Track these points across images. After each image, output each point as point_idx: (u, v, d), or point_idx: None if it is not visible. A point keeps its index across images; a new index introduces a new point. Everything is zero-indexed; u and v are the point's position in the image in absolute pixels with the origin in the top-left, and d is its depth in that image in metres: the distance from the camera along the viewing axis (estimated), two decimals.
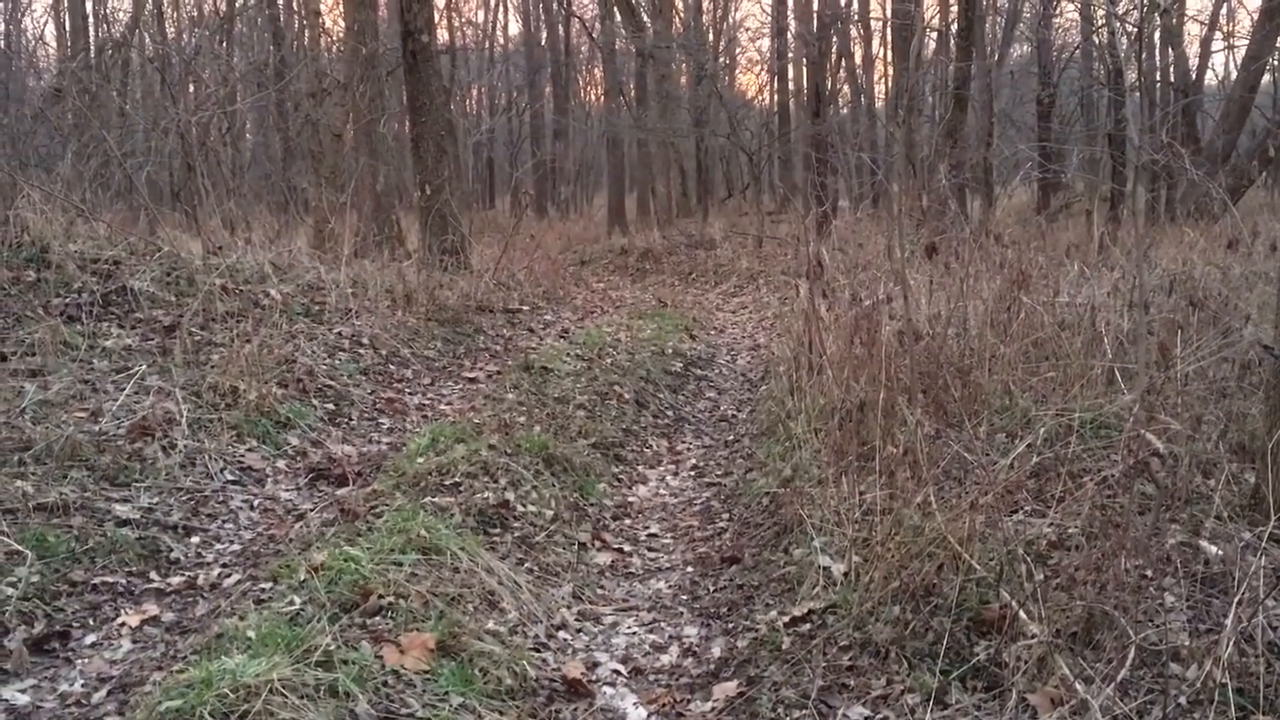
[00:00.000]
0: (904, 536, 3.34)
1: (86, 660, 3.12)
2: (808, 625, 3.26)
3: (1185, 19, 18.99)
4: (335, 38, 18.51)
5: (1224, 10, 21.25)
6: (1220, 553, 3.18)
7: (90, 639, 3.25)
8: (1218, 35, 20.48)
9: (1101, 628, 2.83)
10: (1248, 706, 2.51)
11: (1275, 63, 17.90)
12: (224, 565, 3.86)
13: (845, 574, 3.44)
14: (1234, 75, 17.41)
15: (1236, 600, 2.62)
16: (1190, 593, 3.07)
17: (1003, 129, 19.64)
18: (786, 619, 3.32)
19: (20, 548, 3.54)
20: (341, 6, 14.65)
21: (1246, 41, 15.73)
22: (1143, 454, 3.35)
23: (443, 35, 24.64)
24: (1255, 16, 15.52)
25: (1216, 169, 13.27)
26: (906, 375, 4.77)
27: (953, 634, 2.93)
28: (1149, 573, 3.17)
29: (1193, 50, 20.03)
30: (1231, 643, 2.56)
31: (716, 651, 3.40)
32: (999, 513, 3.29)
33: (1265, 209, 15.63)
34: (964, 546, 3.12)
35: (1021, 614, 2.87)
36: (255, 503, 4.53)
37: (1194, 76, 18.58)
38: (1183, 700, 2.54)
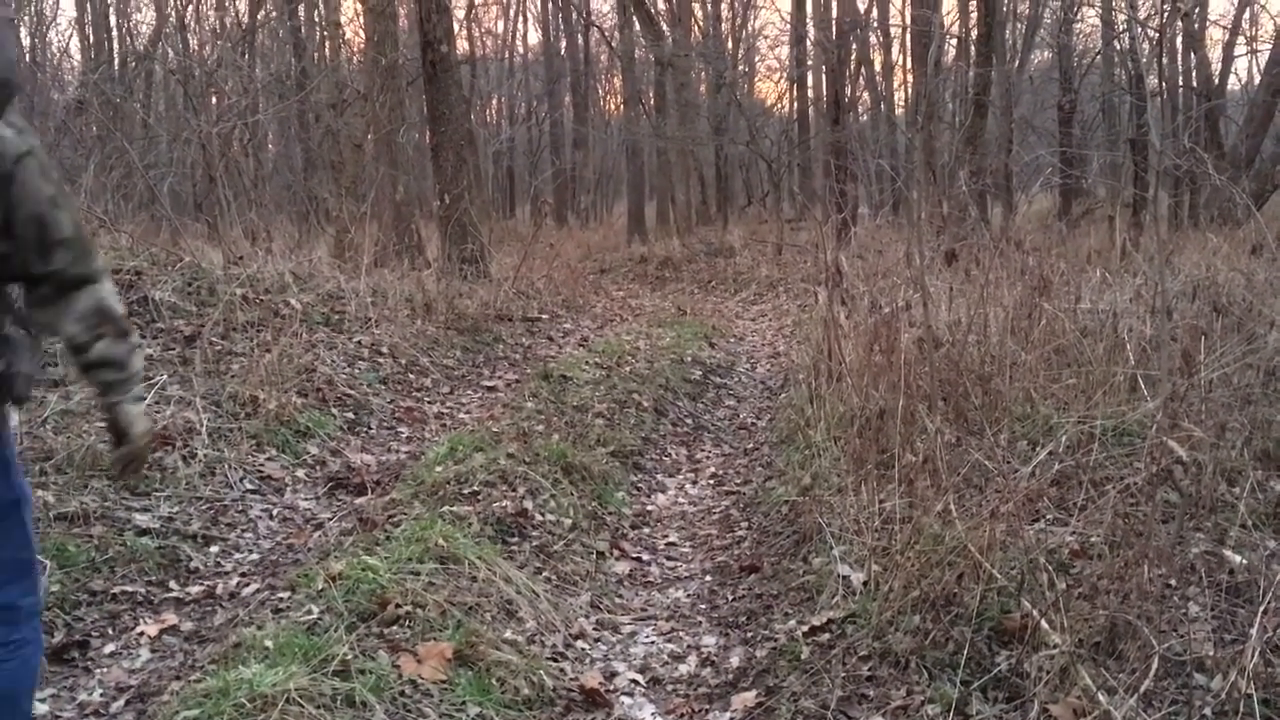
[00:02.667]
0: (924, 545, 3.31)
1: (105, 670, 3.13)
2: (827, 635, 3.23)
3: (1208, 23, 18.87)
4: (356, 49, 18.63)
5: (1246, 14, 21.12)
6: (1244, 561, 3.14)
7: (109, 648, 3.26)
8: (1240, 39, 20.36)
9: (1125, 637, 2.80)
10: (1274, 717, 2.47)
11: None
12: (243, 574, 3.87)
13: (865, 583, 3.42)
14: (1257, 79, 17.29)
15: (1262, 609, 2.58)
16: (1215, 602, 3.04)
17: (1023, 135, 19.57)
18: (805, 628, 3.30)
19: (40, 557, 3.56)
20: (362, 18, 14.74)
21: (1269, 45, 15.63)
22: (1166, 462, 3.32)
23: (463, 45, 24.75)
24: (1278, 20, 15.40)
25: (1240, 174, 13.17)
26: (926, 383, 4.74)
27: (973, 644, 2.90)
28: (1173, 582, 3.14)
29: (1215, 55, 19.89)
30: (1257, 653, 2.52)
31: (735, 661, 3.38)
32: (1020, 521, 3.26)
33: None
34: (985, 555, 3.09)
35: (1043, 623, 2.84)
36: (274, 512, 4.54)
37: (1216, 81, 18.44)
38: (1207, 711, 2.51)
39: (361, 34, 16.45)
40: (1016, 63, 20.88)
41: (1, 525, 2.17)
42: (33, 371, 2.18)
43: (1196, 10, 16.36)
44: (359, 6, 17.46)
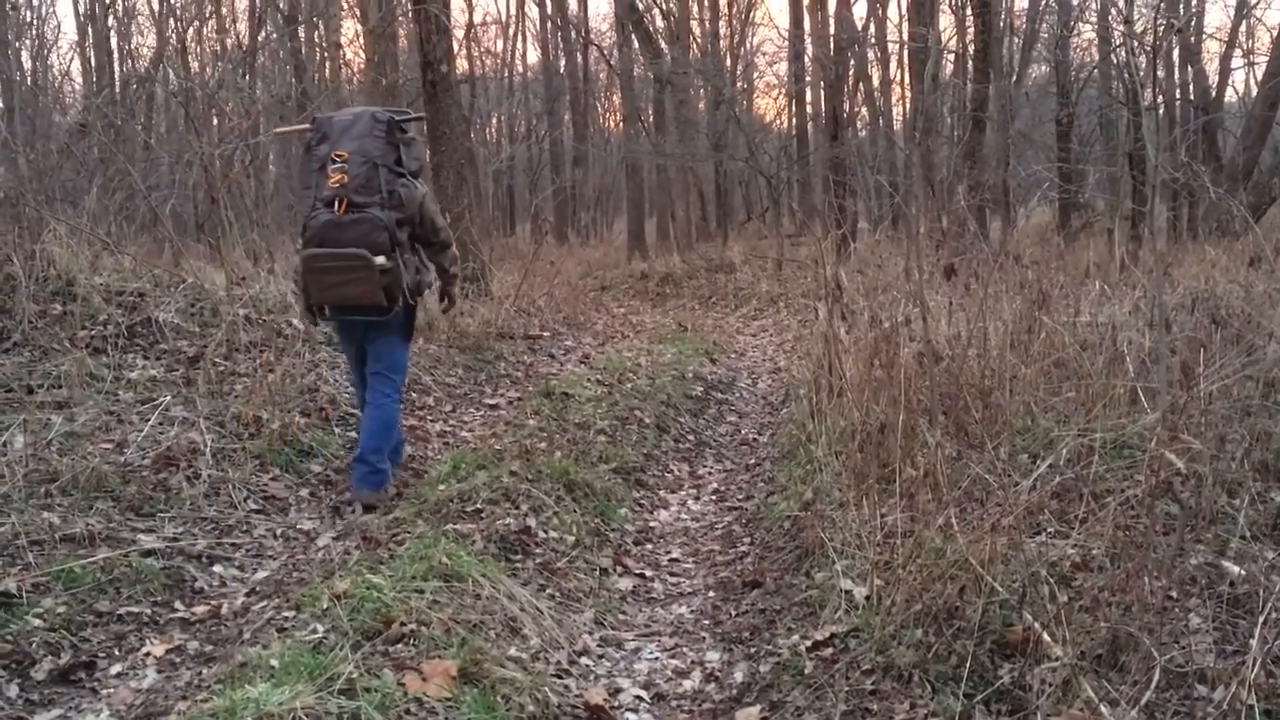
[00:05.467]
0: (925, 559, 3.33)
1: (112, 690, 3.14)
2: (830, 649, 3.24)
3: (1204, 37, 18.96)
4: (356, 69, 18.72)
5: (1243, 27, 21.22)
6: (1243, 572, 3.15)
7: (116, 669, 3.27)
8: (1237, 52, 20.45)
9: (1126, 649, 2.81)
10: None
11: None
12: (248, 594, 3.88)
13: (867, 597, 3.43)
14: (1254, 92, 17.36)
15: (1263, 620, 2.59)
16: (1216, 613, 3.05)
17: (1021, 149, 19.63)
18: (809, 643, 3.31)
19: (47, 579, 3.58)
20: (362, 39, 14.83)
21: (1266, 58, 15.69)
22: (1166, 474, 3.33)
23: (462, 65, 24.87)
24: (1275, 33, 15.47)
25: (1238, 186, 13.21)
26: (926, 397, 4.76)
27: (976, 657, 2.91)
28: (1173, 593, 3.15)
29: (1212, 68, 19.98)
30: (1259, 664, 2.53)
31: (739, 676, 3.39)
32: (1021, 534, 3.27)
33: None
34: (986, 568, 3.10)
35: (1045, 636, 2.85)
36: (278, 531, 4.55)
37: (1214, 94, 18.51)
38: None
39: (361, 54, 16.55)
40: (1014, 78, 20.97)
41: (398, 346, 5.09)
42: (429, 281, 5.09)
43: (1191, 24, 16.43)
44: (359, 28, 17.57)
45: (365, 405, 5.05)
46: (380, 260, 4.62)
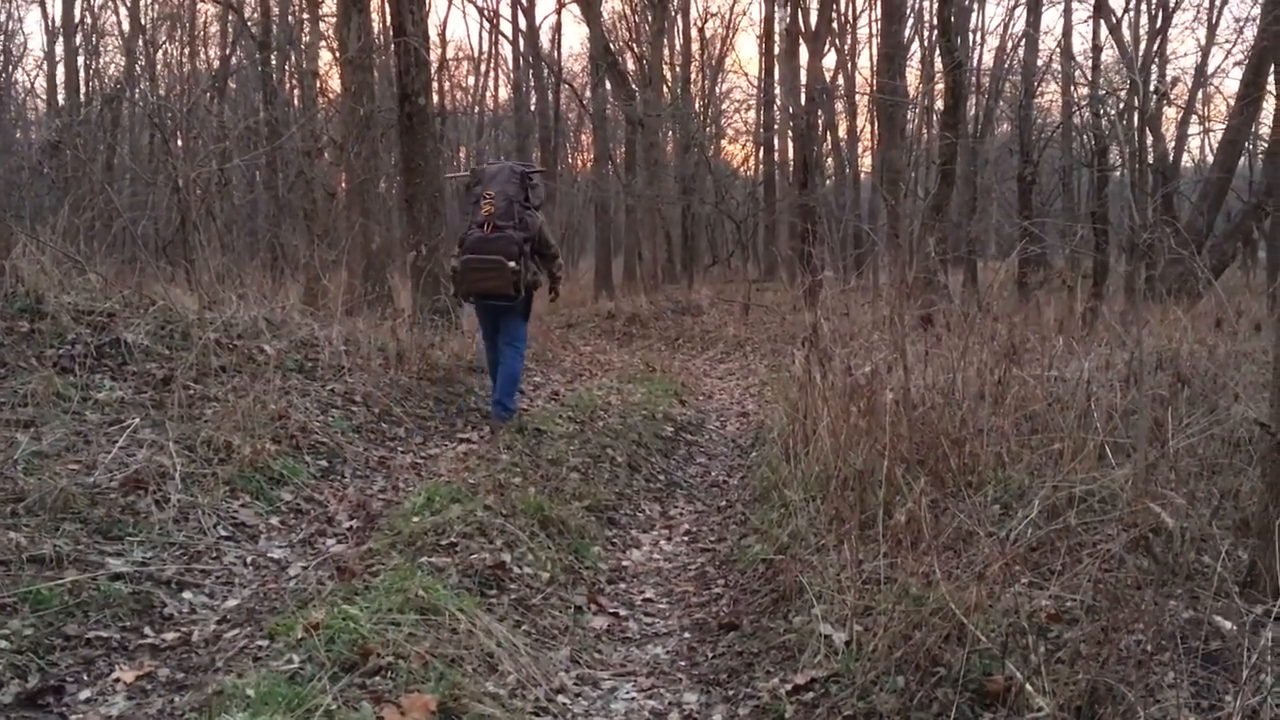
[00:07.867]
0: (907, 606, 3.34)
1: (81, 716, 3.07)
2: (811, 694, 3.24)
3: (1166, 103, 19.44)
4: (329, 98, 18.68)
5: (1199, 95, 21.81)
6: (1234, 627, 3.19)
7: (85, 694, 3.20)
8: (1193, 119, 21.00)
9: (1105, 702, 2.83)
10: None
11: (1250, 146, 18.33)
12: (219, 622, 3.81)
13: (847, 642, 3.44)
14: (1209, 157, 17.79)
15: (1245, 676, 2.63)
16: (1191, 669, 3.08)
17: (985, 204, 19.95)
18: (789, 687, 3.31)
19: (14, 600, 3.51)
20: (338, 69, 14.82)
21: (1223, 126, 16.11)
22: (1144, 527, 3.38)
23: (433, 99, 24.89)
24: (1231, 101, 15.92)
25: (1199, 249, 13.50)
26: (905, 445, 4.80)
27: (958, 706, 2.92)
28: (1149, 648, 3.18)
29: (1169, 133, 20.49)
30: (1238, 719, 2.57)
31: (718, 718, 3.37)
32: (1003, 585, 3.30)
33: (1243, 289, 15.88)
34: (968, 617, 3.12)
35: (1028, 687, 2.87)
36: (249, 559, 4.48)
37: (1171, 158, 18.96)
38: None
39: (335, 82, 16.54)
40: (979, 133, 21.35)
41: (520, 324, 7.36)
42: (541, 280, 7.28)
43: (1172, 88, 16.85)
44: (334, 57, 17.58)
45: (495, 363, 7.33)
46: (511, 264, 6.86)
